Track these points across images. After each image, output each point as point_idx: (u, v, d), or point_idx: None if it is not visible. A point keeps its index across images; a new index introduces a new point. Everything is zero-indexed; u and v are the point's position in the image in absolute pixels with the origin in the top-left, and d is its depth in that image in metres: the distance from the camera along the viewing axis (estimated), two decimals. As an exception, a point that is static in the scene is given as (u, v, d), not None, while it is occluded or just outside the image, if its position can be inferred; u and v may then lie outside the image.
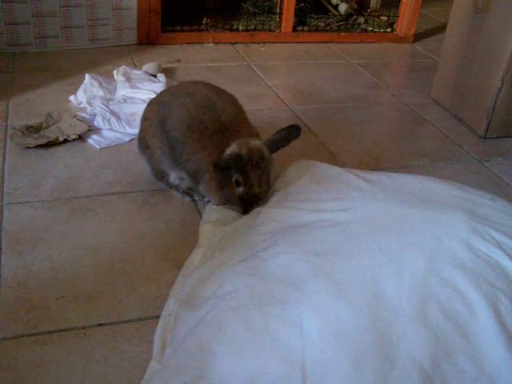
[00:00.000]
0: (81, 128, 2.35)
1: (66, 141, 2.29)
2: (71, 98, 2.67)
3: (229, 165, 1.72)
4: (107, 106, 2.49)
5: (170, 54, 3.38)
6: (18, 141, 2.24)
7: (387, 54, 3.79)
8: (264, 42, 3.75)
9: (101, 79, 2.74)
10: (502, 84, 2.51)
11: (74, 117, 2.43)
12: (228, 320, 1.29)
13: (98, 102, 2.53)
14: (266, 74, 3.22)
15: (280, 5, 3.82)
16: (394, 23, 4.06)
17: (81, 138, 2.34)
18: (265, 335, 1.24)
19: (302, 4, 3.98)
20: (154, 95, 2.49)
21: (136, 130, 2.30)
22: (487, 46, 2.57)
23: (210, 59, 3.39)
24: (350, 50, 3.76)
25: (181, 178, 1.97)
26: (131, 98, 2.60)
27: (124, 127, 2.41)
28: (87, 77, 2.72)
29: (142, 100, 2.56)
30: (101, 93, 2.64)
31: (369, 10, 4.28)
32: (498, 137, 2.66)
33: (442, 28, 4.19)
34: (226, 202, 1.83)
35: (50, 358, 1.35)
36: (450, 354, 1.23)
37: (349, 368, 1.18)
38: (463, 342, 1.25)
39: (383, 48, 3.90)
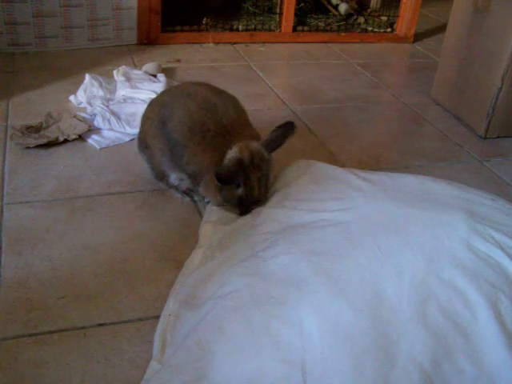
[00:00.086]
0: (81, 128, 2.35)
1: (66, 141, 2.30)
2: (71, 98, 2.67)
3: (231, 171, 1.72)
4: (107, 106, 2.49)
5: (169, 54, 3.38)
6: (18, 141, 2.24)
7: (387, 54, 3.79)
8: (264, 42, 3.75)
9: (101, 79, 2.74)
10: (502, 84, 2.51)
11: (74, 117, 2.43)
12: (228, 320, 1.29)
13: (98, 102, 2.53)
14: (266, 74, 3.22)
15: (280, 5, 3.82)
16: (394, 23, 4.06)
17: (81, 137, 2.34)
18: (265, 335, 1.24)
19: (302, 4, 3.98)
20: (154, 95, 2.49)
21: (136, 130, 2.30)
22: (487, 45, 2.57)
23: (210, 59, 3.39)
24: (350, 50, 3.76)
25: (181, 179, 1.97)
26: (131, 98, 2.60)
27: (124, 127, 2.41)
28: (87, 77, 2.72)
29: (142, 100, 2.56)
30: (101, 93, 2.64)
31: (369, 10, 4.28)
32: (498, 137, 2.66)
33: (442, 28, 4.19)
34: (224, 203, 1.83)
35: (49, 357, 1.35)
36: (450, 353, 1.23)
37: (349, 368, 1.18)
38: (463, 342, 1.25)
39: (383, 48, 3.90)
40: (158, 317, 1.47)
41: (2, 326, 1.43)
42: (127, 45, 3.45)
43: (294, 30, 3.80)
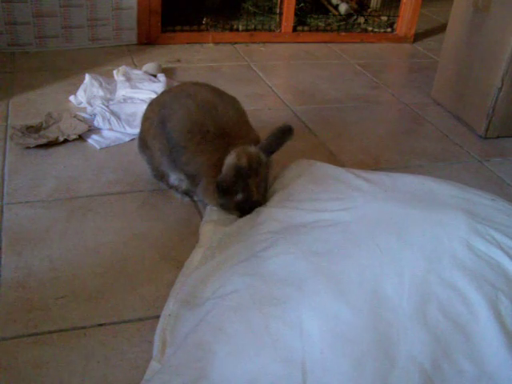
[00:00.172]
0: (81, 128, 2.35)
1: (66, 141, 2.29)
2: (71, 98, 2.67)
3: (232, 181, 1.71)
4: (107, 106, 2.49)
5: (170, 54, 3.38)
6: (18, 141, 2.24)
7: (387, 54, 3.79)
8: (264, 42, 3.75)
9: (101, 79, 2.74)
10: (502, 84, 2.51)
11: (74, 117, 2.43)
12: (228, 320, 1.29)
13: (98, 102, 2.53)
14: (266, 74, 3.22)
15: (280, 5, 3.82)
16: (394, 23, 4.06)
17: (81, 137, 2.34)
18: (265, 335, 1.24)
19: (302, 4, 3.98)
20: (154, 95, 2.50)
21: (136, 130, 2.30)
22: (487, 45, 2.57)
23: (210, 59, 3.39)
24: (350, 50, 3.76)
25: (181, 179, 1.97)
26: (131, 98, 2.60)
27: (124, 127, 2.41)
28: (87, 77, 2.72)
29: (142, 100, 2.56)
30: (101, 93, 2.64)
31: (369, 10, 4.28)
32: (498, 137, 2.66)
33: (442, 28, 4.19)
34: (223, 207, 1.82)
35: (49, 357, 1.35)
36: (450, 353, 1.23)
37: (349, 368, 1.18)
38: (463, 342, 1.25)
39: (383, 48, 3.90)
40: (157, 317, 1.47)
41: (2, 326, 1.43)
42: (127, 45, 3.45)
43: (294, 29, 3.80)
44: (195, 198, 2.00)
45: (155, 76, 2.86)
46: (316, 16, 4.03)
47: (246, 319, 1.28)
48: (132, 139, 2.35)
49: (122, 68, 2.87)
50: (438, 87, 3.01)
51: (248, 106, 2.08)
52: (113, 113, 2.46)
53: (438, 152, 2.50)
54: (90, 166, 2.16)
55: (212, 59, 3.39)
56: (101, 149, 2.29)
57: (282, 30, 3.77)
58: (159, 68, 2.98)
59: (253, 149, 1.76)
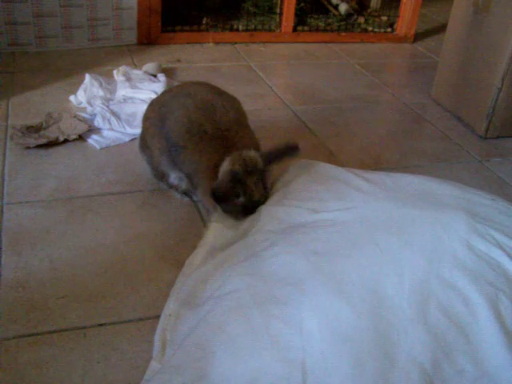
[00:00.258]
0: (81, 128, 2.35)
1: (66, 141, 2.29)
2: (71, 98, 2.67)
3: (228, 188, 1.70)
4: (107, 106, 2.49)
5: (170, 54, 3.38)
6: (18, 141, 2.24)
7: (387, 54, 3.79)
8: (264, 42, 3.75)
9: (101, 79, 2.74)
10: (502, 84, 2.51)
11: (74, 117, 2.43)
12: (228, 320, 1.29)
13: (98, 102, 2.53)
14: (266, 74, 3.22)
15: (280, 5, 3.82)
16: (394, 23, 4.06)
17: (81, 137, 2.34)
18: (265, 335, 1.24)
19: (302, 4, 3.98)
20: (154, 95, 2.50)
21: (136, 130, 2.30)
22: (487, 46, 2.57)
23: (210, 59, 3.39)
24: (350, 50, 3.76)
25: (180, 179, 1.97)
26: (131, 98, 2.60)
27: (124, 127, 2.41)
28: (87, 77, 2.72)
29: (142, 100, 2.56)
30: (101, 93, 2.64)
31: (369, 10, 4.28)
32: (498, 137, 2.66)
33: (442, 28, 4.19)
34: (226, 211, 1.81)
35: (49, 357, 1.35)
36: (451, 353, 1.23)
37: (349, 368, 1.18)
38: (463, 342, 1.25)
39: (383, 48, 3.90)
40: (158, 317, 1.47)
41: (2, 326, 1.43)
42: (127, 45, 3.45)
43: (294, 29, 3.80)
44: (195, 198, 2.00)
45: (155, 76, 2.86)
46: (316, 16, 4.03)
47: (246, 319, 1.28)
48: (132, 139, 2.35)
49: (122, 68, 2.87)
50: (438, 87, 3.01)
51: (248, 105, 2.08)
52: (113, 113, 2.46)
53: (438, 152, 2.50)
54: (89, 166, 2.16)
55: (212, 59, 3.39)
56: (101, 149, 2.29)
57: (282, 30, 3.77)
58: (159, 68, 2.98)
59: (249, 152, 1.75)
